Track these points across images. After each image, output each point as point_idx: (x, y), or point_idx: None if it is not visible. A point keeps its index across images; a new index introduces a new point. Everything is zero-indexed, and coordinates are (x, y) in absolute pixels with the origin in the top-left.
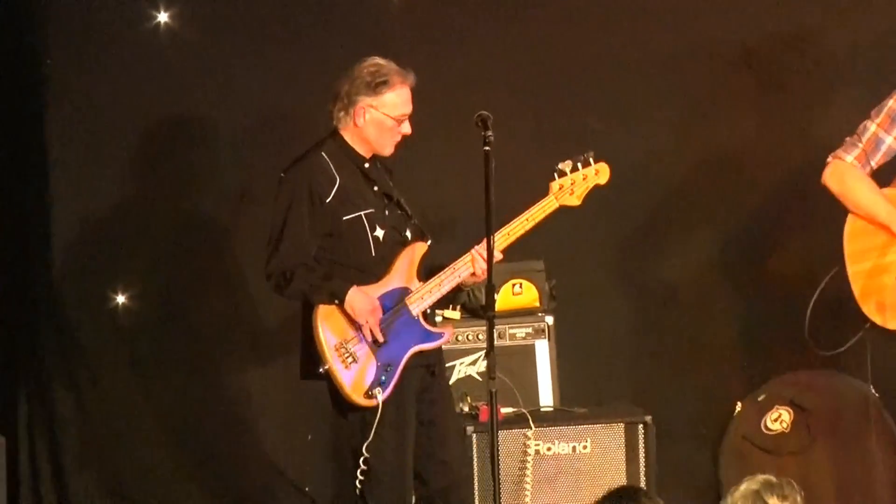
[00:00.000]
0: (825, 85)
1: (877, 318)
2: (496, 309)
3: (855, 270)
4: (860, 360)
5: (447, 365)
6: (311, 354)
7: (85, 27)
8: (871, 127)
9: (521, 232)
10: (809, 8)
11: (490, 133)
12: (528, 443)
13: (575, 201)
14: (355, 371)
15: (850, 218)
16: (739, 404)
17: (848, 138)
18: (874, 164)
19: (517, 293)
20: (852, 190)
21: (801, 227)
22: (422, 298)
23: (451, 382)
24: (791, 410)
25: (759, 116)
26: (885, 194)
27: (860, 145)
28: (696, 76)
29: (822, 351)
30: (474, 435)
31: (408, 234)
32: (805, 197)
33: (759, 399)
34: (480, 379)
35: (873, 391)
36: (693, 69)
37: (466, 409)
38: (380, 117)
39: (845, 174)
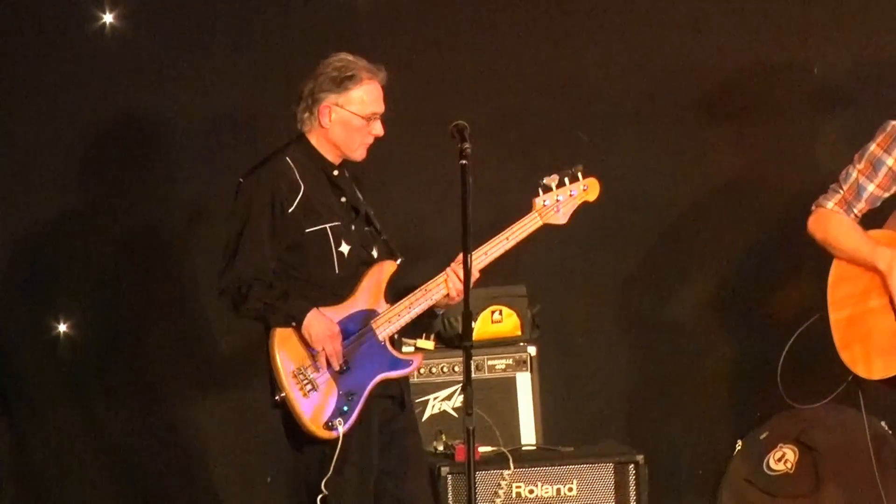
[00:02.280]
0: (823, 113)
1: (857, 369)
2: (474, 338)
3: (836, 318)
4: (876, 392)
5: (420, 399)
6: (270, 384)
7: (25, 29)
8: (853, 173)
9: (501, 252)
10: (804, 34)
11: (467, 145)
12: (507, 484)
13: (561, 220)
14: (315, 400)
15: (834, 263)
16: (740, 442)
17: (832, 185)
18: (857, 211)
19: (497, 321)
20: (834, 234)
21: (806, 257)
22: (389, 322)
23: (424, 419)
24: (796, 449)
25: (757, 143)
26: (871, 234)
27: (841, 192)
28: (690, 98)
29: (797, 404)
30: (450, 476)
31: (375, 252)
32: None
33: (762, 437)
34: (456, 415)
35: (887, 428)
36: (687, 91)
37: (441, 447)
38: (347, 116)
39: (826, 220)
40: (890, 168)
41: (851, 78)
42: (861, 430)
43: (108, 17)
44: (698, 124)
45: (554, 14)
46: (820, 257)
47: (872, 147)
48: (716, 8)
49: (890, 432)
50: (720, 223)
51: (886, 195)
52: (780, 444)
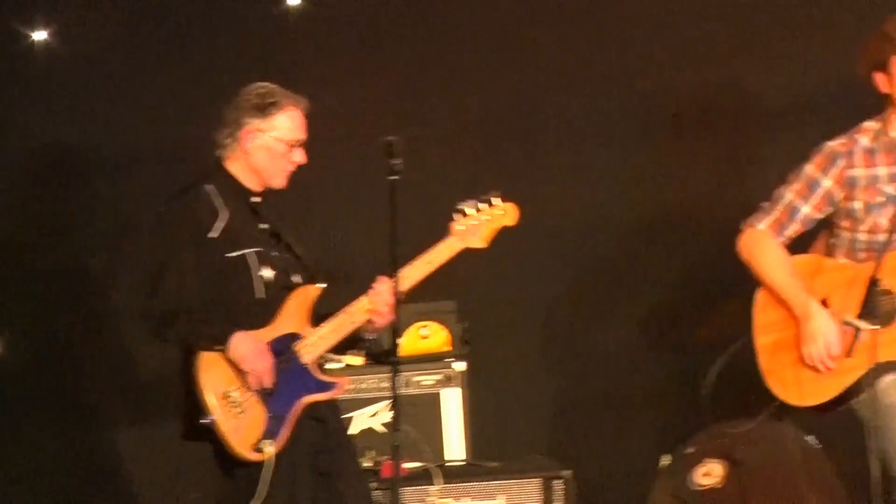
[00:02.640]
0: (759, 135)
1: (787, 395)
2: (401, 354)
3: (762, 343)
4: (782, 403)
5: (347, 416)
6: (192, 410)
7: None
8: (788, 194)
9: (422, 275)
10: (741, 55)
11: (398, 161)
12: (434, 500)
13: (480, 243)
14: (242, 423)
15: (760, 288)
16: (666, 458)
17: (763, 204)
18: (790, 233)
19: (425, 336)
20: (762, 263)
21: (734, 278)
22: (313, 345)
23: (351, 435)
24: (723, 464)
25: (695, 168)
26: (798, 264)
27: (775, 213)
28: (622, 121)
29: (727, 427)
30: (376, 492)
31: (298, 277)
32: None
33: (688, 452)
34: (384, 431)
35: (814, 441)
36: (619, 114)
37: (368, 464)
38: (269, 142)
39: (755, 243)
40: (827, 190)
41: (785, 100)
42: (788, 444)
43: (37, 35)
44: (630, 147)
45: (487, 32)
46: (749, 280)
47: (809, 168)
48: (651, 31)
49: (818, 446)
50: (650, 244)
51: (820, 217)
52: (706, 459)
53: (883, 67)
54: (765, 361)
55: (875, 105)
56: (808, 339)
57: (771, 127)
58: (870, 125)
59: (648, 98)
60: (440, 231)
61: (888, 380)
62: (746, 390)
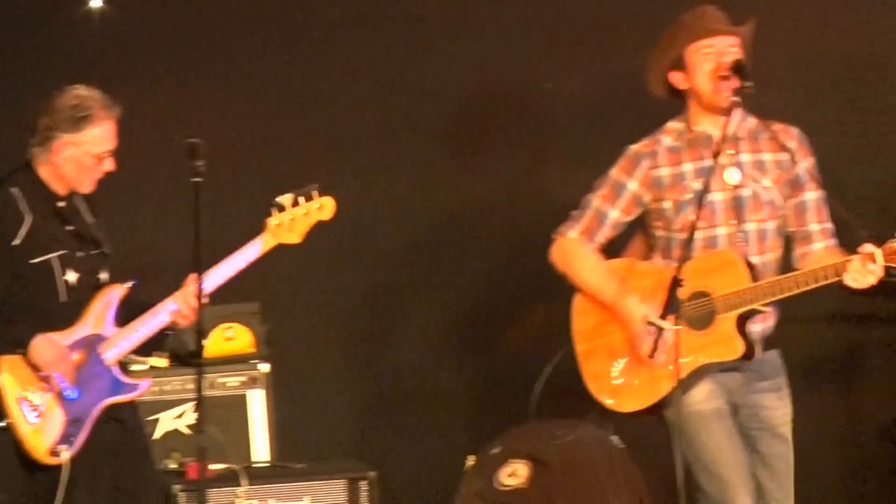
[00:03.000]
0: (556, 138)
1: (606, 402)
2: (205, 355)
3: (582, 349)
4: (605, 409)
5: (152, 417)
6: None
7: None
8: (595, 200)
9: (234, 272)
10: (528, 60)
11: (200, 162)
12: (240, 501)
13: (295, 238)
14: (40, 426)
15: (576, 295)
16: (472, 458)
17: (573, 212)
18: (601, 238)
19: (229, 338)
20: (577, 269)
21: (541, 282)
22: (116, 346)
23: (155, 437)
24: (528, 464)
25: (495, 171)
26: (611, 268)
27: (584, 220)
28: (430, 118)
29: (532, 428)
30: (181, 494)
31: (105, 276)
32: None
33: (494, 452)
34: (189, 432)
35: (618, 442)
36: (425, 113)
37: (174, 465)
38: (80, 154)
39: (569, 251)
40: (633, 192)
41: (583, 103)
42: (594, 445)
43: None
44: (438, 145)
45: (286, 32)
46: (553, 282)
47: (614, 172)
48: (447, 31)
49: (622, 447)
50: (458, 244)
51: (629, 219)
52: (511, 460)
53: (678, 65)
54: (586, 367)
55: (673, 106)
56: (636, 338)
57: (569, 128)
58: (672, 125)
59: (449, 99)
60: (258, 227)
61: (696, 388)
62: (572, 396)
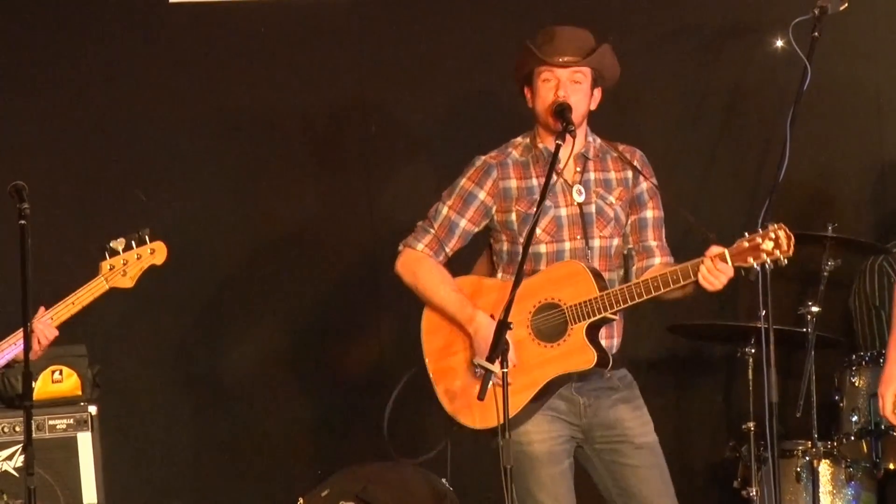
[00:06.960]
0: (389, 156)
1: (461, 419)
2: (34, 398)
3: (435, 368)
4: (440, 453)
5: None
6: None
7: None
8: (444, 210)
9: (67, 315)
10: (370, 77)
11: (26, 205)
12: None
13: (128, 283)
14: None
15: (425, 314)
16: (301, 500)
17: (420, 223)
18: (449, 250)
19: (57, 380)
20: (424, 283)
21: (379, 307)
22: None
23: None
24: None
25: (324, 190)
26: (459, 282)
27: (432, 231)
28: (257, 145)
29: (405, 458)
30: None
31: None
32: (377, 275)
33: (323, 494)
34: (17, 475)
35: (448, 486)
36: (254, 137)
37: None
38: None
39: (416, 264)
40: (482, 202)
41: (417, 119)
42: (423, 488)
43: None
44: (272, 172)
45: (113, 69)
46: (399, 308)
47: (462, 181)
48: (275, 51)
49: (450, 489)
50: (287, 276)
51: (477, 230)
52: (340, 502)
53: (528, 82)
54: (438, 387)
55: (523, 120)
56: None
57: (401, 145)
58: (519, 140)
59: (280, 122)
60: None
61: (533, 423)
62: (426, 418)
